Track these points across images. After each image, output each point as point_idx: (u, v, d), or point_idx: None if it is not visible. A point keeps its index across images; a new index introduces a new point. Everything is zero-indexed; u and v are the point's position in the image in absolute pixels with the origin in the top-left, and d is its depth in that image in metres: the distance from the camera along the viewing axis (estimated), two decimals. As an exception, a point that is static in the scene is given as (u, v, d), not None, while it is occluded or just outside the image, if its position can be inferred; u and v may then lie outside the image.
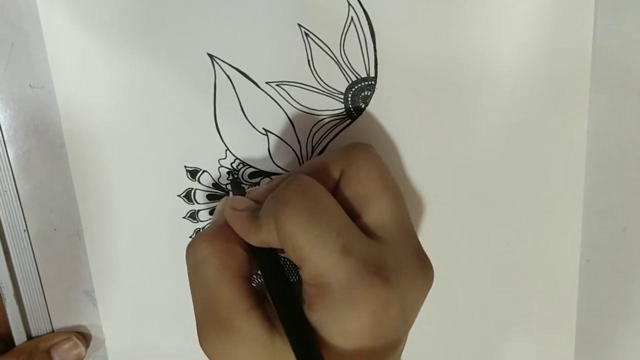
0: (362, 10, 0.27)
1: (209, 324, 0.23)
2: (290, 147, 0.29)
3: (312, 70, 0.27)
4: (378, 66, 0.28)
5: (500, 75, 0.28)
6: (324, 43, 0.27)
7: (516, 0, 0.27)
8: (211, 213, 0.30)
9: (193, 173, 0.29)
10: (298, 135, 0.29)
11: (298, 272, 0.22)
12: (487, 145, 0.29)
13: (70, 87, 0.28)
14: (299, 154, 0.29)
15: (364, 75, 0.28)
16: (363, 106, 0.28)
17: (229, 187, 0.30)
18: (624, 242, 0.30)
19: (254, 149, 0.29)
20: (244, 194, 0.25)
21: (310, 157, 0.29)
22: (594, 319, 0.32)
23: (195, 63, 0.27)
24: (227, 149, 0.29)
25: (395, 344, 0.22)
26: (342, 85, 0.28)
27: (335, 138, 0.29)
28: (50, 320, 0.32)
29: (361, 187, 0.23)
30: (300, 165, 0.29)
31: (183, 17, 0.27)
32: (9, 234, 0.30)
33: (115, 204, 0.30)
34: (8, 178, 0.29)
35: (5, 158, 0.29)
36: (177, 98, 0.28)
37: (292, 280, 0.27)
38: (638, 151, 0.29)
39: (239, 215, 0.24)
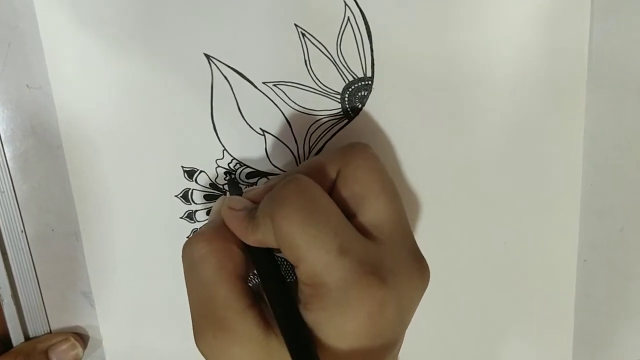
0: (358, 10, 0.27)
1: (205, 324, 0.23)
2: (288, 147, 0.29)
3: (309, 70, 0.27)
4: (375, 66, 0.28)
5: (498, 76, 0.28)
6: (321, 43, 0.27)
7: (513, 1, 0.27)
8: (208, 213, 0.30)
9: (190, 173, 0.29)
10: (295, 135, 0.29)
11: (294, 272, 0.22)
12: (484, 145, 0.29)
13: (68, 88, 0.28)
14: (296, 154, 0.29)
15: (360, 75, 0.28)
16: (360, 106, 0.28)
17: (226, 187, 0.30)
18: (622, 242, 0.30)
19: (251, 149, 0.29)
20: (241, 194, 0.25)
21: (308, 157, 0.29)
22: (591, 319, 0.32)
23: (192, 63, 0.27)
24: (224, 149, 0.29)
25: (392, 344, 0.22)
26: (339, 85, 0.28)
27: (333, 138, 0.29)
28: (48, 321, 0.32)
29: (358, 186, 0.23)
30: (297, 165, 0.29)
31: (180, 17, 0.27)
32: (7, 234, 0.30)
33: (113, 205, 0.30)
34: (5, 179, 0.29)
35: (2, 159, 0.29)
36: (174, 98, 0.28)
37: (288, 280, 0.27)
38: (635, 151, 0.29)
39: (236, 215, 0.24)
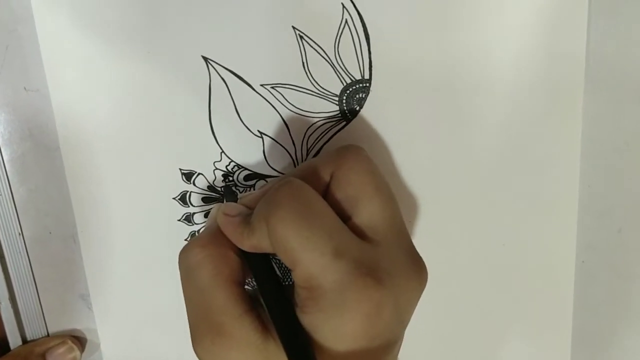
0: (356, 13, 0.27)
1: (202, 329, 0.23)
2: (285, 149, 0.29)
3: (306, 73, 0.28)
4: (372, 68, 0.28)
5: (495, 78, 0.28)
6: (319, 45, 0.27)
7: (511, 4, 0.27)
8: (206, 216, 0.30)
9: (188, 176, 0.29)
10: (293, 137, 0.29)
11: (290, 275, 0.22)
12: (482, 147, 0.29)
13: (65, 91, 0.28)
14: (293, 156, 0.29)
15: (358, 77, 0.28)
16: (358, 108, 0.28)
17: (224, 189, 0.30)
18: (620, 243, 0.30)
19: (249, 152, 0.29)
20: (236, 200, 0.25)
21: (305, 159, 0.29)
22: (590, 320, 0.32)
23: (190, 66, 0.27)
24: (222, 151, 0.29)
25: (390, 345, 0.22)
26: (337, 88, 0.28)
27: (330, 140, 0.29)
28: (46, 324, 0.32)
29: (351, 188, 0.23)
30: (295, 167, 0.29)
31: (177, 20, 0.27)
32: (4, 237, 0.30)
33: (111, 207, 0.30)
34: (3, 182, 0.29)
35: (0, 162, 0.29)
36: (172, 101, 0.28)
37: (285, 283, 0.27)
38: (633, 152, 0.29)
39: (231, 221, 0.24)
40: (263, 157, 0.29)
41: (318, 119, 0.28)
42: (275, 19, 0.27)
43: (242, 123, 0.28)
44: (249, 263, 0.24)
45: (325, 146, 0.29)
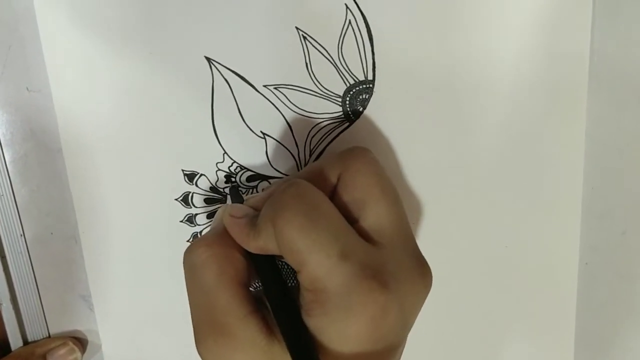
0: (359, 13, 0.27)
1: (206, 329, 0.22)
2: (288, 150, 0.29)
3: (310, 73, 0.27)
4: (376, 69, 0.28)
5: (499, 78, 0.28)
6: (322, 46, 0.27)
7: (515, 4, 0.27)
8: (209, 217, 0.30)
9: (190, 177, 0.29)
10: (296, 138, 0.29)
11: (295, 277, 0.22)
12: (485, 148, 0.29)
13: (68, 91, 0.28)
14: (296, 157, 0.29)
15: (362, 78, 0.28)
16: (361, 109, 0.28)
17: (226, 190, 0.30)
18: (623, 245, 0.30)
19: (252, 153, 0.29)
20: (242, 202, 0.25)
21: (308, 161, 0.29)
22: (593, 322, 0.32)
23: (193, 66, 0.27)
24: (225, 152, 0.29)
25: (394, 348, 0.22)
26: (340, 89, 0.28)
27: (333, 141, 0.29)
28: (47, 325, 0.31)
29: (358, 191, 0.23)
30: (298, 168, 0.29)
31: (180, 20, 0.27)
32: (6, 238, 0.30)
33: (112, 208, 0.30)
34: (5, 182, 0.29)
35: (2, 162, 0.29)
36: (174, 101, 0.28)
37: (290, 284, 0.27)
38: (636, 154, 0.29)
39: (237, 222, 0.24)
40: (266, 158, 0.29)
41: (321, 120, 0.28)
42: (278, 19, 0.27)
43: (244, 124, 0.28)
44: (255, 264, 0.24)
45: (328, 147, 0.29)
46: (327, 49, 0.27)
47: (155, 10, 0.27)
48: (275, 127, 0.28)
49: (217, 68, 0.27)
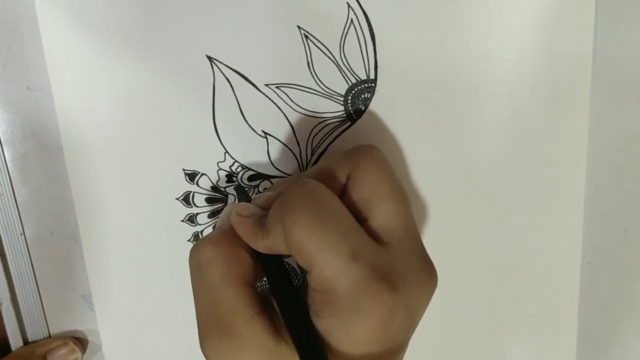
0: (362, 12, 0.27)
1: (212, 328, 0.22)
2: (290, 149, 0.29)
3: (311, 73, 0.27)
4: (378, 68, 0.27)
5: (501, 78, 0.28)
6: (324, 45, 0.27)
7: (517, 4, 0.27)
8: (210, 216, 0.30)
9: (191, 176, 0.29)
10: (298, 137, 0.28)
11: (303, 277, 0.22)
12: (487, 147, 0.29)
13: (68, 90, 0.28)
14: (298, 156, 0.29)
15: (363, 77, 0.28)
16: (363, 108, 0.28)
17: (227, 190, 0.30)
18: (625, 245, 0.30)
19: (253, 152, 0.29)
20: (249, 201, 0.25)
21: (310, 160, 0.29)
22: (595, 322, 0.32)
23: (194, 65, 0.27)
24: (226, 151, 0.29)
25: (400, 348, 0.22)
26: (342, 88, 0.28)
27: (335, 140, 0.29)
28: (47, 325, 0.31)
29: (367, 190, 0.23)
30: (300, 167, 0.29)
31: (182, 19, 0.27)
32: (6, 237, 0.29)
33: (113, 207, 0.30)
34: (5, 181, 0.29)
35: (2, 161, 0.28)
36: (175, 100, 0.28)
37: (295, 284, 0.27)
38: (639, 153, 0.29)
39: (244, 221, 0.23)
40: (267, 157, 0.29)
41: (323, 119, 0.28)
42: (280, 18, 0.27)
43: (246, 123, 0.28)
44: (262, 264, 0.23)
45: (330, 147, 0.29)
46: (329, 47, 0.27)
47: (156, 10, 0.26)
48: (277, 126, 0.28)
49: (218, 67, 0.27)
